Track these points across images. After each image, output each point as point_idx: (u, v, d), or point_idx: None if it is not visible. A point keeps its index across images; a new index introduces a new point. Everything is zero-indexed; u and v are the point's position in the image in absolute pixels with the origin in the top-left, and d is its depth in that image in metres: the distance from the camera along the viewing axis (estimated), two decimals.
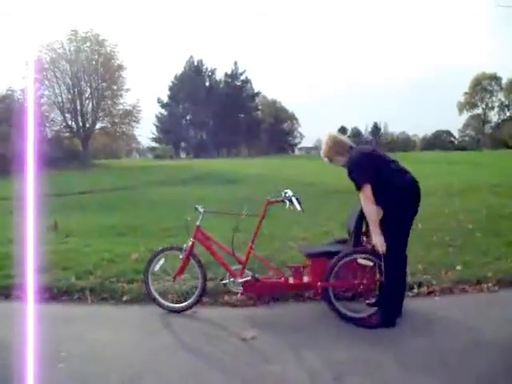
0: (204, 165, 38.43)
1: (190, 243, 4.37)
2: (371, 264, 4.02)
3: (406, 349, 3.44)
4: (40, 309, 4.52)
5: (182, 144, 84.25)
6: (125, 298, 4.76)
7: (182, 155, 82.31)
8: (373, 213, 3.84)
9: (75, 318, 4.27)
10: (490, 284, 4.72)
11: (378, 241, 3.81)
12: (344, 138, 4.22)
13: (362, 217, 4.11)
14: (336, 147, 4.12)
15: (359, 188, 3.87)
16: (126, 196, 15.50)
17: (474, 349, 3.40)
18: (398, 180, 3.90)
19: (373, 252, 3.99)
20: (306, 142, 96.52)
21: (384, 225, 3.90)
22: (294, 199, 4.18)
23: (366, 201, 3.82)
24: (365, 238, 4.28)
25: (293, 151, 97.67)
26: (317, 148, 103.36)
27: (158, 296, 4.47)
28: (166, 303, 4.48)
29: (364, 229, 4.22)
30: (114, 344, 3.67)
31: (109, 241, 7.28)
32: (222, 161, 48.74)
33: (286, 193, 4.31)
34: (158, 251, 4.48)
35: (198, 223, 4.41)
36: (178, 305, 4.49)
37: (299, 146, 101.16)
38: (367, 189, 3.81)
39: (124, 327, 4.06)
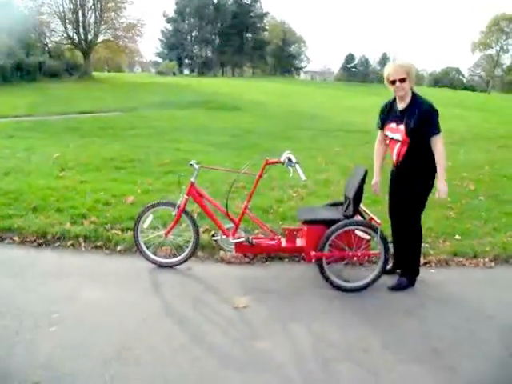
0: (207, 85, 37.65)
1: (184, 200, 4.25)
2: (368, 237, 3.95)
3: (397, 333, 3.41)
4: (34, 256, 4.53)
5: (186, 61, 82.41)
6: (118, 248, 4.72)
7: (186, 72, 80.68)
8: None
9: (69, 271, 4.21)
10: (486, 259, 4.67)
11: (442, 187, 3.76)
12: None
13: (362, 185, 3.99)
14: (412, 76, 3.80)
15: (433, 134, 3.70)
16: (126, 120, 15.23)
17: (465, 339, 3.35)
18: None
19: (371, 225, 3.93)
20: (312, 66, 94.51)
21: (419, 192, 3.90)
22: (297, 167, 4.00)
23: (443, 146, 3.74)
24: (361, 206, 4.21)
25: (298, 74, 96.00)
26: (323, 73, 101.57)
27: (149, 252, 4.42)
28: (158, 259, 4.44)
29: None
30: (107, 306, 3.62)
31: (105, 177, 7.18)
32: (226, 81, 47.74)
33: (289, 158, 4.07)
34: (148, 206, 4.34)
35: (192, 179, 4.25)
36: (169, 260, 4.45)
37: (305, 69, 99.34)
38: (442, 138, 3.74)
39: (117, 285, 3.99)
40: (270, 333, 3.32)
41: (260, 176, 4.18)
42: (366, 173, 4.01)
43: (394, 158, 3.97)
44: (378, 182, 4.23)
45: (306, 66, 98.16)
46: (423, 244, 4.85)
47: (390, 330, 3.44)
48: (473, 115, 22.10)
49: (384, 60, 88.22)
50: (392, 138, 3.93)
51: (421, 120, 3.69)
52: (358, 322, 3.52)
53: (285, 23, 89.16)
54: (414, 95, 3.83)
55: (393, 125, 3.92)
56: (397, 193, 4.06)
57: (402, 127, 3.80)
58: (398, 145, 3.88)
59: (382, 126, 4.09)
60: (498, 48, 72.38)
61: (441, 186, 3.75)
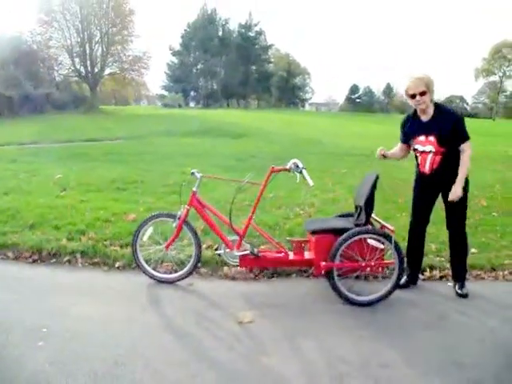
0: (213, 115, 37.77)
1: (185, 210, 4.03)
2: (382, 246, 3.70)
3: (415, 346, 3.13)
4: (27, 273, 4.31)
5: (192, 93, 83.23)
6: (117, 264, 4.49)
7: (192, 104, 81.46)
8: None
9: (63, 287, 3.98)
10: (506, 272, 4.41)
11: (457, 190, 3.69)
12: None
13: (373, 192, 3.77)
14: (432, 88, 3.72)
15: (464, 140, 3.71)
16: (131, 146, 15.13)
17: (490, 351, 3.08)
18: None
19: (384, 233, 3.69)
20: (317, 98, 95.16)
21: (465, 198, 3.79)
22: (304, 172, 3.80)
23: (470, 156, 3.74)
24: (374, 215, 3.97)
25: (303, 106, 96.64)
26: (327, 104, 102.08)
27: (148, 267, 4.18)
28: (158, 274, 4.20)
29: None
30: (101, 321, 3.37)
31: (107, 197, 6.99)
32: (231, 112, 47.91)
33: (295, 164, 3.88)
34: (148, 219, 4.12)
35: (194, 189, 4.04)
36: (170, 275, 4.20)
37: (310, 101, 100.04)
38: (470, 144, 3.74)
39: (113, 301, 3.74)
40: (277, 348, 3.06)
41: (265, 185, 3.96)
42: (377, 178, 3.79)
43: (427, 167, 3.84)
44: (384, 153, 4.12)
45: (310, 98, 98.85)
46: (438, 258, 4.62)
47: (407, 344, 3.15)
48: (479, 139, 21.84)
49: (388, 90, 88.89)
50: (423, 151, 3.83)
51: (451, 128, 3.66)
52: (372, 336, 3.24)
53: (289, 55, 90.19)
54: (436, 106, 3.79)
55: (421, 138, 3.82)
56: (429, 202, 3.99)
57: (431, 138, 3.74)
58: (431, 155, 3.78)
59: (405, 140, 4.03)
60: (500, 74, 72.97)
61: (457, 188, 3.65)
